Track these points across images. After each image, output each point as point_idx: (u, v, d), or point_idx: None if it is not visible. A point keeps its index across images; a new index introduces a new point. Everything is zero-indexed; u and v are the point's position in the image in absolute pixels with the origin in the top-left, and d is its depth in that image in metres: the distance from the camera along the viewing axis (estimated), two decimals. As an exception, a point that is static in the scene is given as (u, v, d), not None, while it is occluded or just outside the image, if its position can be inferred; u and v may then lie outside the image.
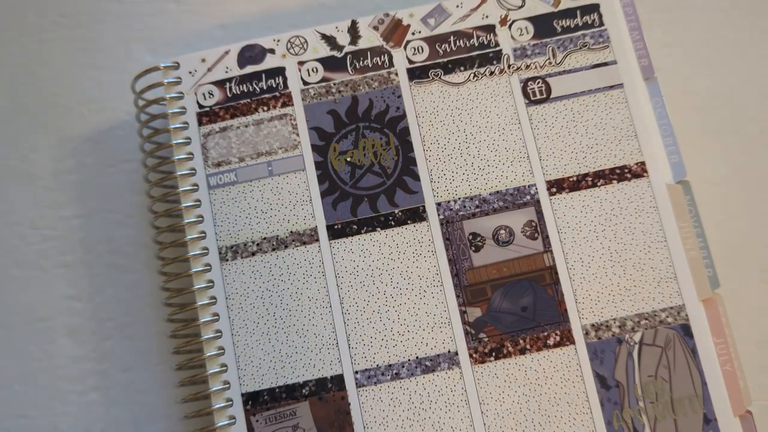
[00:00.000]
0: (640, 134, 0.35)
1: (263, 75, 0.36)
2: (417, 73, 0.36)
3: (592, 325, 0.33)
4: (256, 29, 0.40)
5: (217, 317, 0.34)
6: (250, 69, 0.36)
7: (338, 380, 0.33)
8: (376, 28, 0.36)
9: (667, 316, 0.33)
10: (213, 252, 0.35)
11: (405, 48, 0.36)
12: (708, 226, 0.35)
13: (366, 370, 0.33)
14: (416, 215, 0.35)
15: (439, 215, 0.35)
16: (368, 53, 0.36)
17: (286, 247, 0.35)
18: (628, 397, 0.33)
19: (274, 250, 0.35)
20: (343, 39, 0.36)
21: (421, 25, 0.36)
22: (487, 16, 0.36)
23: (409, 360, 0.33)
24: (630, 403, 0.33)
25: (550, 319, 0.34)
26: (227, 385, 0.33)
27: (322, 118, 0.36)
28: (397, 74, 0.36)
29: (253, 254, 0.35)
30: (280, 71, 0.36)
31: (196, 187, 0.35)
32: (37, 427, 0.37)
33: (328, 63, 0.36)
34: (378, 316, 0.34)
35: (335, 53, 0.36)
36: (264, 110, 0.36)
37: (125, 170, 0.39)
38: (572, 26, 0.36)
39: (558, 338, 0.33)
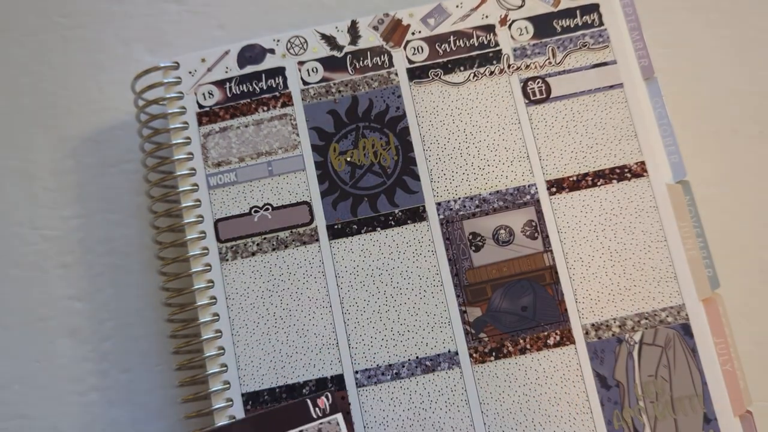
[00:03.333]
0: (640, 134, 0.35)
1: (263, 75, 0.36)
2: (417, 73, 0.36)
3: (592, 325, 0.33)
4: (256, 29, 0.40)
5: (217, 317, 0.34)
6: (250, 69, 0.36)
7: (338, 380, 0.33)
8: (375, 28, 0.36)
9: (667, 316, 0.33)
10: (213, 252, 0.35)
11: (405, 48, 0.36)
12: (708, 226, 0.35)
13: (366, 370, 0.33)
14: (416, 215, 0.35)
15: (439, 215, 0.35)
16: (368, 53, 0.36)
17: (286, 247, 0.35)
18: (628, 397, 0.33)
19: (274, 250, 0.35)
20: (343, 39, 0.36)
21: (421, 25, 0.36)
22: (486, 16, 0.36)
23: (409, 360, 0.33)
24: (630, 402, 0.33)
25: (550, 318, 0.33)
26: (227, 386, 0.33)
27: (322, 118, 0.36)
28: (397, 74, 0.36)
29: (253, 254, 0.35)
30: (279, 71, 0.36)
31: (196, 187, 0.35)
32: (37, 427, 0.37)
33: (328, 63, 0.36)
34: (378, 316, 0.34)
35: (335, 53, 0.36)
36: (264, 110, 0.36)
37: (125, 170, 0.39)
38: (572, 26, 0.36)
39: (558, 338, 0.33)
